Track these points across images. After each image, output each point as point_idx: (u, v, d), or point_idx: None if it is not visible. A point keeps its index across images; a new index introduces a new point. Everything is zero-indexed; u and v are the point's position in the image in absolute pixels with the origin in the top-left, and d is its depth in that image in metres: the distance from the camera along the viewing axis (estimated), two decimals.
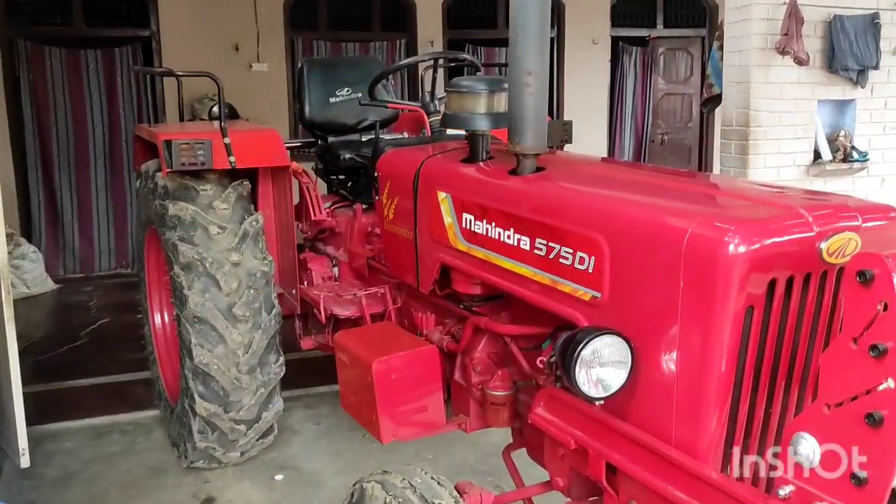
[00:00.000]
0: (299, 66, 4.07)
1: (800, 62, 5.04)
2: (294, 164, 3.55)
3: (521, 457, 2.66)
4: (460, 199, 2.51)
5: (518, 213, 2.25)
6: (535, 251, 2.18)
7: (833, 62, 5.21)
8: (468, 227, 2.46)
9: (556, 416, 2.12)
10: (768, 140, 5.26)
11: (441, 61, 3.81)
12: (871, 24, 5.25)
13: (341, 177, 3.92)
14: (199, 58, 6.67)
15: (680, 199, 1.98)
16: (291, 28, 7.70)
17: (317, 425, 4.18)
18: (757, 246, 1.68)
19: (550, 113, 8.44)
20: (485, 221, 2.38)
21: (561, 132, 3.74)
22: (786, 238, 1.71)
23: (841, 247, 1.71)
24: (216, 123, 3.80)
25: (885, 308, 1.32)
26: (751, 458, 1.82)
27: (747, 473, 1.83)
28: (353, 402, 2.69)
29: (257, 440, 3.53)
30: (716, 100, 5.76)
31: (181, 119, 4.22)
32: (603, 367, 1.87)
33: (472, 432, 2.73)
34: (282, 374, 3.43)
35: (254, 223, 3.36)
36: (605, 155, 8.61)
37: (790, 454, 1.51)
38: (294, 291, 3.57)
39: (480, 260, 2.42)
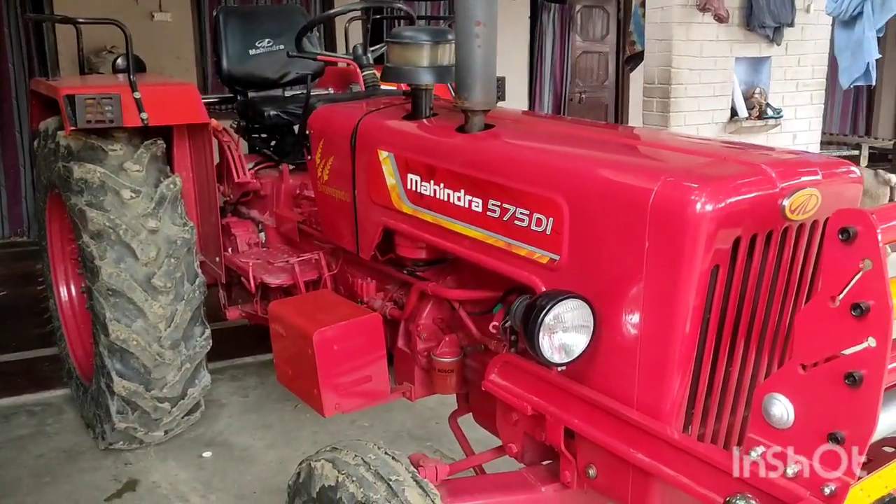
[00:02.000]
0: (214, 14, 3.77)
1: (720, 19, 5.10)
2: (214, 122, 3.30)
3: (465, 422, 2.60)
4: (404, 159, 2.37)
5: (469, 172, 2.14)
6: (489, 213, 2.08)
7: (751, 19, 5.30)
8: (413, 188, 2.33)
9: (512, 383, 2.06)
10: (688, 97, 5.34)
11: (371, 12, 3.60)
12: None
13: (264, 135, 3.70)
14: (94, 6, 6.14)
15: (642, 157, 1.92)
16: None
17: (244, 398, 4.01)
18: (724, 204, 1.63)
19: None
20: (432, 182, 2.26)
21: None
22: (751, 195, 1.67)
23: (803, 203, 1.69)
24: (121, 77, 3.49)
25: (869, 266, 1.29)
26: (713, 419, 1.81)
27: (709, 434, 1.82)
28: (291, 375, 2.54)
29: (183, 418, 3.34)
30: (638, 57, 5.79)
31: (81, 72, 3.86)
32: (566, 332, 1.80)
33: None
34: (208, 347, 3.24)
35: (171, 186, 3.12)
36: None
37: (763, 416, 1.49)
38: (218, 259, 3.36)
39: (427, 223, 2.31)
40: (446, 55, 2.40)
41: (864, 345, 1.32)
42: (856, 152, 7.73)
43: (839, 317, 1.34)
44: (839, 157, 6.39)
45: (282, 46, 3.70)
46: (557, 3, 8.51)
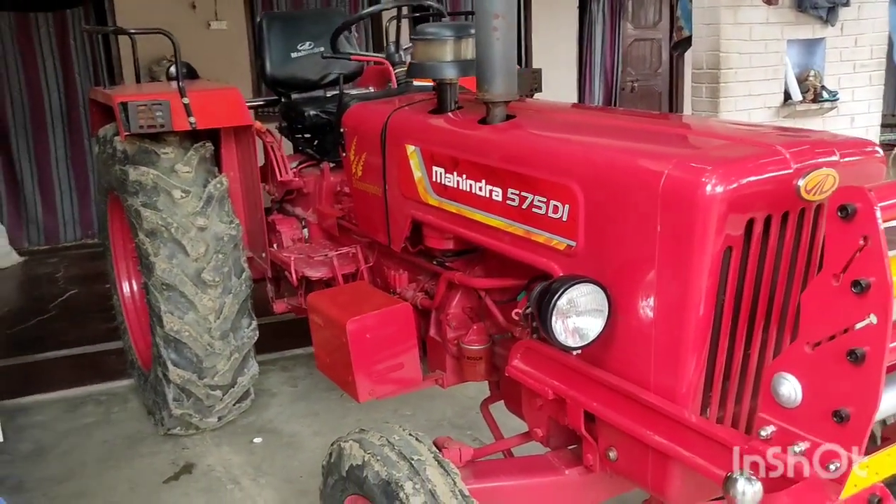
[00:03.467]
0: (258, 21, 3.91)
1: (769, 2, 4.98)
2: (257, 124, 3.43)
3: (498, 409, 2.65)
4: (430, 152, 2.43)
5: (489, 163, 2.19)
6: (508, 202, 2.12)
7: (803, 1, 5.15)
8: (438, 180, 2.39)
9: (534, 368, 2.09)
10: (739, 82, 5.22)
11: (405, 10, 3.68)
12: None
13: (307, 135, 3.81)
14: (154, 16, 6.38)
15: (654, 141, 1.93)
16: None
17: (293, 388, 4.14)
18: (735, 185, 1.64)
19: (518, 62, 8.25)
20: (455, 174, 2.31)
21: (530, 80, 3.66)
22: (764, 176, 1.67)
23: (819, 183, 1.67)
24: (173, 84, 3.66)
25: (867, 242, 1.29)
26: (732, 403, 1.81)
27: (727, 416, 1.82)
28: (329, 363, 2.65)
29: (234, 405, 3.49)
30: (686, 42, 5.70)
31: (137, 81, 4.05)
32: (580, 316, 1.83)
33: (450, 387, 2.70)
34: (255, 338, 3.38)
35: (218, 185, 3.26)
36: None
37: (772, 395, 1.50)
38: (264, 254, 3.49)
39: (452, 214, 2.36)
40: (469, 49, 2.44)
41: (866, 322, 1.32)
42: None
43: (841, 295, 1.35)
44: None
45: (322, 48, 3.80)
46: None
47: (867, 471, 1.40)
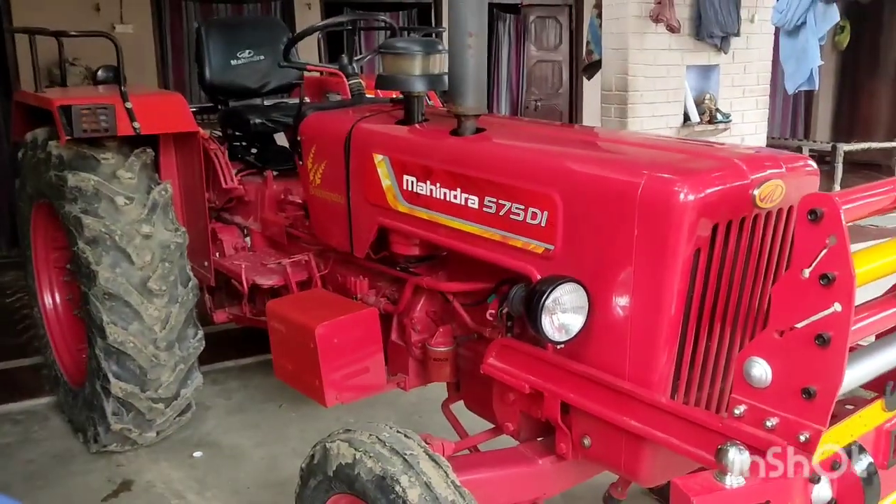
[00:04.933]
0: (196, 27, 3.87)
1: (672, 29, 5.39)
2: (202, 131, 3.40)
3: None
4: (400, 161, 2.52)
5: (465, 172, 2.31)
6: (485, 209, 2.25)
7: (700, 29, 5.62)
8: (409, 188, 2.49)
9: (510, 365, 2.22)
10: (644, 104, 5.62)
11: (358, 23, 3.75)
12: None
13: (244, 143, 3.81)
14: (55, 18, 6.10)
15: (627, 154, 2.12)
16: None
17: (227, 400, 4.09)
18: (703, 194, 1.84)
19: None
20: (428, 182, 2.42)
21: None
22: (726, 186, 1.88)
23: (770, 192, 1.92)
24: (103, 88, 3.58)
25: (835, 241, 1.50)
26: (696, 389, 2.02)
27: (692, 402, 2.02)
28: (292, 371, 2.67)
29: (175, 418, 3.41)
30: (596, 66, 6.05)
31: (36, 84, 3.84)
32: (564, 313, 1.98)
33: (387, 393, 2.77)
34: (201, 348, 3.33)
35: (163, 192, 3.21)
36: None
37: (744, 377, 1.69)
38: (206, 263, 3.45)
39: (423, 220, 2.46)
40: (437, 64, 2.57)
41: (831, 310, 1.53)
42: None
43: (809, 287, 1.55)
44: None
45: (262, 57, 3.82)
46: (511, 13, 8.77)
47: (829, 440, 1.61)
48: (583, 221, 2.02)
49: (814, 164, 2.13)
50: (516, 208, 2.16)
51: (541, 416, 2.18)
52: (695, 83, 5.92)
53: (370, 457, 1.97)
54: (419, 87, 2.56)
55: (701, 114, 5.88)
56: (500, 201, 2.20)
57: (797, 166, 2.05)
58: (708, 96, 5.92)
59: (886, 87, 10.60)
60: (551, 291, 1.94)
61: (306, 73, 4.00)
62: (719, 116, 5.91)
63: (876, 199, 1.64)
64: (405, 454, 1.96)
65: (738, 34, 5.75)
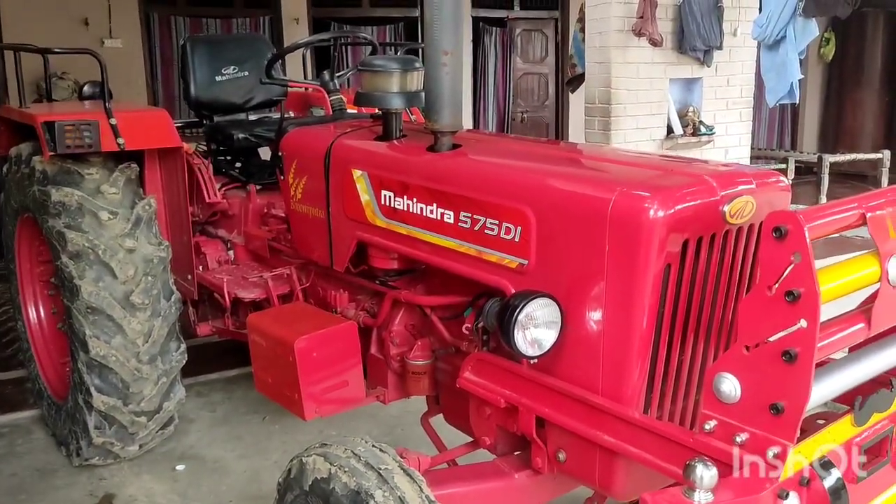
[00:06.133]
0: (182, 43, 3.90)
1: (654, 43, 5.45)
2: (186, 146, 3.42)
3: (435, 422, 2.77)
4: (378, 177, 2.55)
5: (441, 188, 2.33)
6: (460, 224, 2.27)
7: (683, 43, 5.67)
8: (387, 203, 2.51)
9: (485, 379, 2.24)
10: (627, 116, 5.67)
11: (339, 40, 3.78)
12: (716, 6, 5.76)
13: (229, 157, 3.83)
14: (45, 33, 6.15)
15: (599, 170, 2.15)
16: (145, 2, 7.27)
17: (212, 413, 4.08)
18: (673, 210, 1.87)
19: None
20: (405, 198, 2.44)
21: None
22: (696, 202, 1.91)
23: (740, 209, 1.94)
24: (88, 104, 3.60)
25: (799, 258, 1.53)
26: (669, 403, 2.03)
27: (664, 415, 2.04)
28: (272, 383, 2.67)
29: (158, 431, 3.41)
30: (579, 79, 6.10)
31: (20, 98, 3.86)
32: (537, 327, 2.00)
33: (369, 406, 2.79)
34: (184, 361, 3.34)
35: (147, 207, 3.22)
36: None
37: (714, 393, 1.71)
38: (190, 277, 3.46)
39: (401, 235, 2.49)
40: (414, 82, 2.59)
41: (797, 326, 1.55)
42: (783, 165, 8.23)
43: (775, 303, 1.57)
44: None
45: (246, 73, 3.85)
46: (497, 26, 8.83)
47: (799, 455, 1.63)
48: (555, 237, 2.04)
49: (785, 179, 2.17)
50: (491, 223, 2.19)
51: (516, 430, 2.19)
52: (678, 96, 5.98)
53: (345, 471, 1.97)
54: (396, 103, 2.59)
55: (684, 126, 5.93)
56: (474, 216, 2.23)
57: (768, 182, 2.08)
58: (691, 109, 5.97)
59: (871, 99, 10.73)
60: (524, 306, 1.96)
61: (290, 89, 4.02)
62: (703, 129, 5.96)
63: (841, 216, 1.66)
64: (380, 469, 1.96)
65: (720, 47, 5.81)
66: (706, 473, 1.53)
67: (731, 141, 6.19)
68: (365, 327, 2.80)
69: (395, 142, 2.66)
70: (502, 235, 2.16)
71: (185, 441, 3.77)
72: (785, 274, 1.55)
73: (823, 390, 1.69)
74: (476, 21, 8.98)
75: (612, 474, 2.01)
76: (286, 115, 3.92)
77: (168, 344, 3.23)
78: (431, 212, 2.37)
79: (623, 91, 5.59)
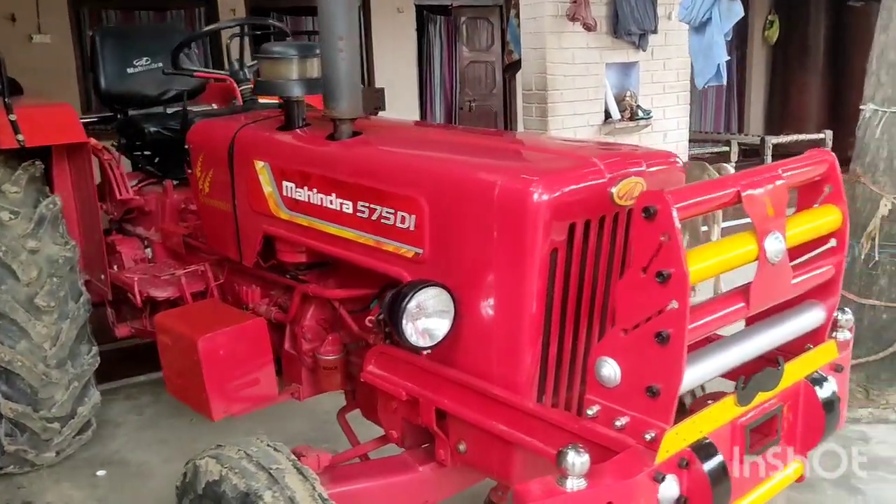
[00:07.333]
0: (91, 35, 3.77)
1: (588, 28, 5.44)
2: (93, 141, 3.31)
3: (356, 419, 2.72)
4: (279, 168, 2.49)
5: (339, 177, 2.28)
6: (358, 214, 2.22)
7: (617, 27, 5.67)
8: (289, 194, 2.45)
9: (387, 371, 2.20)
10: (564, 102, 5.65)
11: (248, 28, 3.69)
12: None
13: (147, 152, 3.71)
14: None
15: (489, 155, 2.11)
16: None
17: (139, 416, 3.99)
18: (558, 193, 1.83)
19: (362, 81, 8.43)
20: (306, 188, 2.38)
21: (374, 99, 3.79)
22: (582, 185, 1.88)
23: (629, 190, 1.91)
24: None
25: (668, 238, 1.50)
26: (565, 389, 2.01)
27: (561, 402, 2.02)
28: (180, 385, 2.61)
29: (74, 437, 3.31)
30: (516, 65, 6.07)
31: None
32: (428, 317, 1.96)
33: (306, 402, 2.75)
34: (96, 364, 3.24)
35: (51, 206, 3.11)
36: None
37: (596, 377, 1.69)
38: (103, 277, 3.36)
39: (304, 227, 2.43)
40: (315, 68, 2.53)
41: (670, 307, 1.53)
42: (726, 148, 8.31)
43: (647, 284, 1.55)
44: (711, 153, 6.89)
45: (161, 64, 3.73)
46: (442, 14, 8.77)
47: (676, 437, 1.61)
48: (447, 224, 2.00)
49: (681, 159, 2.15)
50: (386, 212, 2.14)
51: (420, 422, 2.16)
52: (615, 81, 5.98)
53: (235, 473, 1.93)
54: (296, 91, 2.52)
55: (622, 111, 5.94)
56: (371, 206, 2.18)
57: (661, 162, 2.06)
58: (629, 94, 5.98)
59: (816, 81, 10.88)
60: (413, 296, 1.91)
61: (213, 81, 3.92)
62: (640, 113, 5.98)
63: (715, 195, 1.65)
64: (271, 469, 1.92)
65: (655, 31, 5.82)
66: (577, 460, 1.51)
67: (669, 125, 6.21)
68: (278, 323, 2.74)
69: (297, 131, 2.60)
70: (398, 224, 2.11)
71: (111, 446, 3.67)
72: (655, 255, 1.52)
73: (702, 370, 1.68)
74: (420, 9, 8.90)
75: (511, 464, 1.98)
76: (208, 108, 3.83)
77: (78, 347, 3.13)
78: (331, 202, 2.31)
79: (559, 77, 5.58)
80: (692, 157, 7.10)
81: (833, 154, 1.86)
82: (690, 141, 6.71)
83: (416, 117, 8.93)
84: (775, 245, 1.66)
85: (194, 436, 3.73)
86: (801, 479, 1.97)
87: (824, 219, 1.86)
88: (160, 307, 3.32)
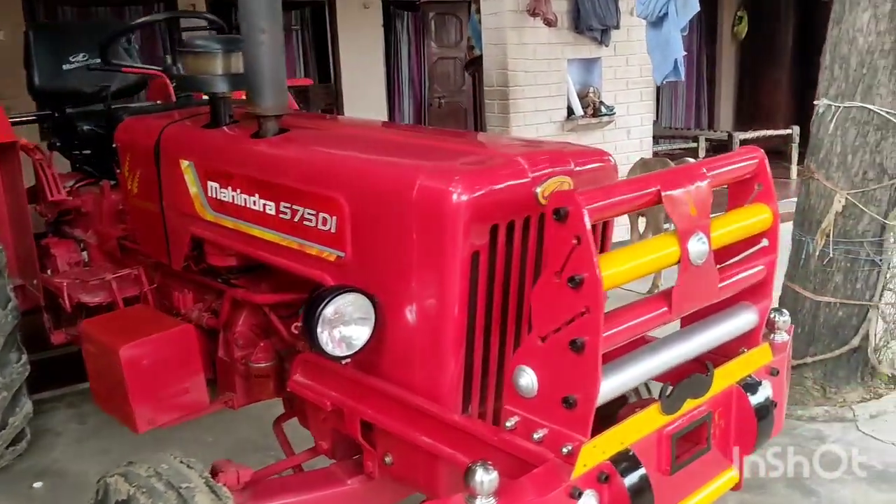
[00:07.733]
0: (24, 31, 3.64)
1: (549, 23, 5.36)
2: (23, 140, 3.18)
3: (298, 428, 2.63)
4: (204, 167, 2.38)
5: (262, 177, 2.18)
6: (281, 215, 2.13)
7: (579, 22, 5.60)
8: (214, 195, 2.35)
9: (313, 381, 2.11)
10: (526, 99, 5.57)
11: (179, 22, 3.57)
12: None
13: (85, 151, 3.58)
14: None
15: (411, 154, 2.02)
16: None
17: (81, 425, 3.86)
18: (478, 193, 1.75)
19: (326, 79, 8.31)
20: (230, 189, 2.28)
21: (326, 97, 3.68)
22: (504, 185, 1.79)
23: (554, 190, 1.83)
24: None
25: (579, 242, 1.42)
26: (492, 398, 1.92)
27: (488, 412, 1.93)
28: (105, 395, 2.51)
29: (6, 449, 3.19)
30: (478, 61, 5.98)
31: None
32: (346, 325, 1.87)
33: (255, 408, 2.65)
34: (26, 373, 3.11)
35: None
36: (385, 120, 8.66)
37: (514, 387, 1.60)
38: (35, 281, 3.23)
39: (229, 229, 2.33)
40: (240, 63, 2.42)
41: (582, 313, 1.45)
42: (694, 144, 8.28)
43: (561, 290, 1.47)
44: (680, 149, 6.81)
45: (98, 60, 3.60)
46: (409, 10, 8.66)
47: (595, 450, 1.53)
48: (368, 226, 1.91)
49: (613, 158, 2.07)
50: (308, 214, 2.04)
51: (347, 433, 2.07)
52: (578, 77, 5.91)
53: (143, 492, 1.84)
54: (221, 87, 2.42)
55: (585, 108, 5.87)
56: (293, 207, 2.09)
57: (591, 161, 1.98)
58: (591, 90, 5.91)
59: (785, 76, 10.87)
60: (329, 302, 1.82)
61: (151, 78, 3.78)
62: (603, 109, 5.91)
63: (632, 195, 1.57)
64: (180, 488, 1.83)
65: (617, 27, 5.76)
66: (486, 478, 1.43)
67: (632, 121, 6.15)
68: (210, 329, 2.63)
69: (224, 129, 2.49)
70: (319, 226, 2.02)
71: (50, 455, 3.55)
72: (567, 259, 1.44)
73: (625, 377, 1.60)
74: (386, 4, 8.78)
75: (436, 477, 1.90)
76: (148, 104, 3.70)
77: (7, 356, 3.01)
78: (255, 203, 2.22)
79: (521, 73, 5.49)
80: (657, 154, 7.05)
81: (763, 151, 1.79)
82: (659, 137, 6.66)
83: (384, 115, 8.82)
84: (698, 246, 1.58)
85: (137, 445, 3.59)
86: (737, 487, 1.91)
87: (754, 218, 1.79)
88: (96, 313, 3.20)
